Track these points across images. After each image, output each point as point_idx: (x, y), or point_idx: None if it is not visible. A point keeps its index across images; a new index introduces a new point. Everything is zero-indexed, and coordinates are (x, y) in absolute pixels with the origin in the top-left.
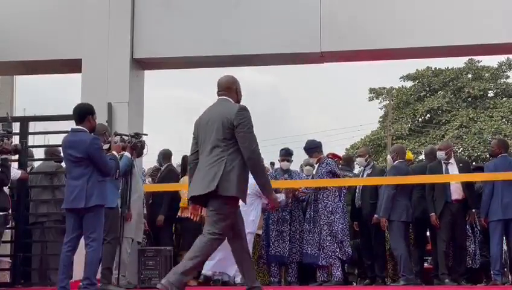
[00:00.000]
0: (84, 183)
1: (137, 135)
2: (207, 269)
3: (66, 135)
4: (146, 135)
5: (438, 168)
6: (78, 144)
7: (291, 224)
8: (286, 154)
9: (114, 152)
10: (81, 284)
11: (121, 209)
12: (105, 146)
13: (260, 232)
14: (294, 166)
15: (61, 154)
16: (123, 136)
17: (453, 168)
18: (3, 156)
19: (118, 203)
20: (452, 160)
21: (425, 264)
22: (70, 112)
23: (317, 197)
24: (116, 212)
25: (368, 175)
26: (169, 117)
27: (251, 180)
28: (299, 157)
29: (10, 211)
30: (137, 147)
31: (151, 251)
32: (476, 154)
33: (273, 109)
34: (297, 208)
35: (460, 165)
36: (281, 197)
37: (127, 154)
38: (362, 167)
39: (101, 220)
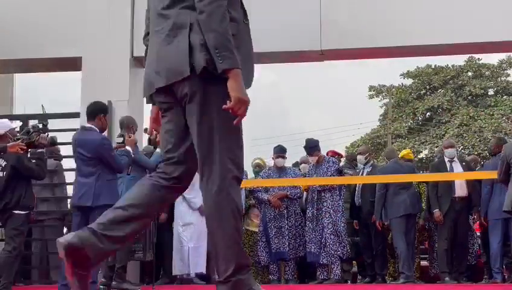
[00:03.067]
0: (93, 181)
1: None
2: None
3: (75, 132)
4: None
5: (442, 166)
6: (88, 143)
7: (288, 219)
8: (280, 151)
9: (128, 147)
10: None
11: None
12: (119, 140)
13: (257, 229)
14: (287, 164)
15: (60, 152)
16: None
17: (457, 166)
18: (40, 150)
19: None
20: (455, 157)
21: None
22: (70, 110)
23: (320, 195)
24: None
25: (368, 173)
26: None
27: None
28: (298, 155)
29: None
30: None
31: None
32: (476, 153)
33: (273, 106)
34: (293, 203)
35: (463, 163)
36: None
37: (158, 150)
38: (362, 165)
39: None
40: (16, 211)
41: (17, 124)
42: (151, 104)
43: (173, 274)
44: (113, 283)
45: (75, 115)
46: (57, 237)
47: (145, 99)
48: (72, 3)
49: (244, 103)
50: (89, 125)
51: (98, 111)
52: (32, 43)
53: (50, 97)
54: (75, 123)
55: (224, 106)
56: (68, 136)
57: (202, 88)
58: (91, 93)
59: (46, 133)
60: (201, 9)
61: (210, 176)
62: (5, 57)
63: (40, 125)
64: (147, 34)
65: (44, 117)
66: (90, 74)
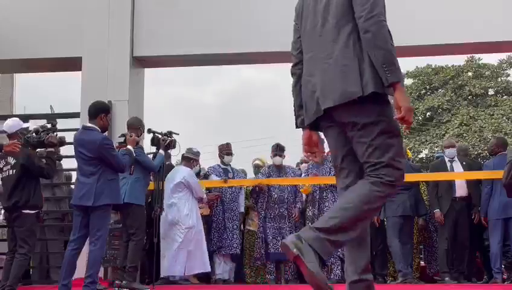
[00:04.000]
0: (94, 181)
1: (170, 134)
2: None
3: (76, 131)
4: (177, 134)
5: (442, 166)
6: (89, 143)
7: (288, 220)
8: (278, 149)
9: (129, 147)
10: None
11: (154, 207)
12: (120, 139)
13: (255, 229)
14: (288, 163)
15: (61, 152)
16: (157, 134)
17: (457, 166)
18: (49, 149)
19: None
20: (456, 157)
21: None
22: (70, 110)
23: (322, 195)
24: (144, 211)
25: None
26: (169, 115)
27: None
28: (298, 154)
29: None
30: (170, 145)
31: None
32: (476, 153)
33: (273, 106)
34: (294, 204)
35: (464, 163)
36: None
37: (161, 152)
38: None
39: (108, 219)
40: (25, 211)
41: (28, 124)
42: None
43: (162, 276)
44: (124, 282)
45: (75, 115)
46: (56, 237)
47: (145, 98)
48: (72, 3)
49: (411, 111)
50: (90, 124)
51: (99, 111)
52: (32, 43)
53: (50, 97)
54: (75, 123)
55: (395, 116)
56: (68, 136)
57: (368, 107)
58: (91, 93)
59: (55, 133)
60: (367, 29)
61: (365, 176)
62: (5, 57)
63: (49, 125)
64: (298, 62)
65: (53, 117)
66: (90, 73)
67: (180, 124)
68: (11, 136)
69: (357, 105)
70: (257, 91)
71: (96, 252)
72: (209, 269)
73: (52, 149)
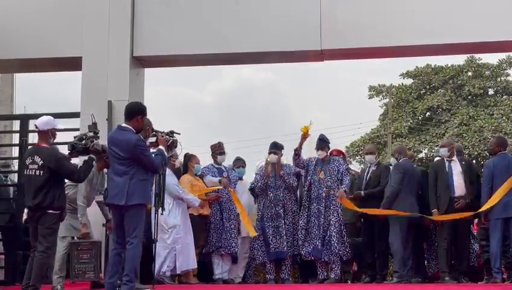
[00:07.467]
0: (126, 181)
1: (172, 133)
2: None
3: (112, 130)
4: (179, 134)
5: (440, 166)
6: (123, 143)
7: (285, 218)
8: (273, 147)
9: (161, 146)
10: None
11: (155, 208)
12: (152, 139)
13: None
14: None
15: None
16: (159, 133)
17: (456, 165)
18: (91, 155)
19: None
20: (455, 157)
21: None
22: (70, 110)
23: (329, 193)
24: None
25: (373, 172)
26: (169, 115)
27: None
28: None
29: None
30: (173, 145)
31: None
32: (476, 153)
33: (272, 106)
34: (290, 201)
35: (463, 163)
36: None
37: (164, 152)
38: (368, 164)
39: (142, 218)
40: (50, 211)
41: (61, 125)
42: None
43: (156, 275)
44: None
45: (75, 115)
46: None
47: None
48: (72, 3)
49: None
50: (125, 125)
51: (136, 113)
52: (32, 43)
53: (50, 97)
54: (75, 123)
55: None
56: (68, 136)
57: None
58: (91, 93)
59: (97, 141)
60: None
61: None
62: (5, 57)
63: (91, 133)
64: None
65: (95, 125)
66: (90, 73)
67: (179, 123)
68: (41, 132)
69: None
70: (256, 90)
71: (132, 251)
72: (195, 266)
73: (93, 156)
